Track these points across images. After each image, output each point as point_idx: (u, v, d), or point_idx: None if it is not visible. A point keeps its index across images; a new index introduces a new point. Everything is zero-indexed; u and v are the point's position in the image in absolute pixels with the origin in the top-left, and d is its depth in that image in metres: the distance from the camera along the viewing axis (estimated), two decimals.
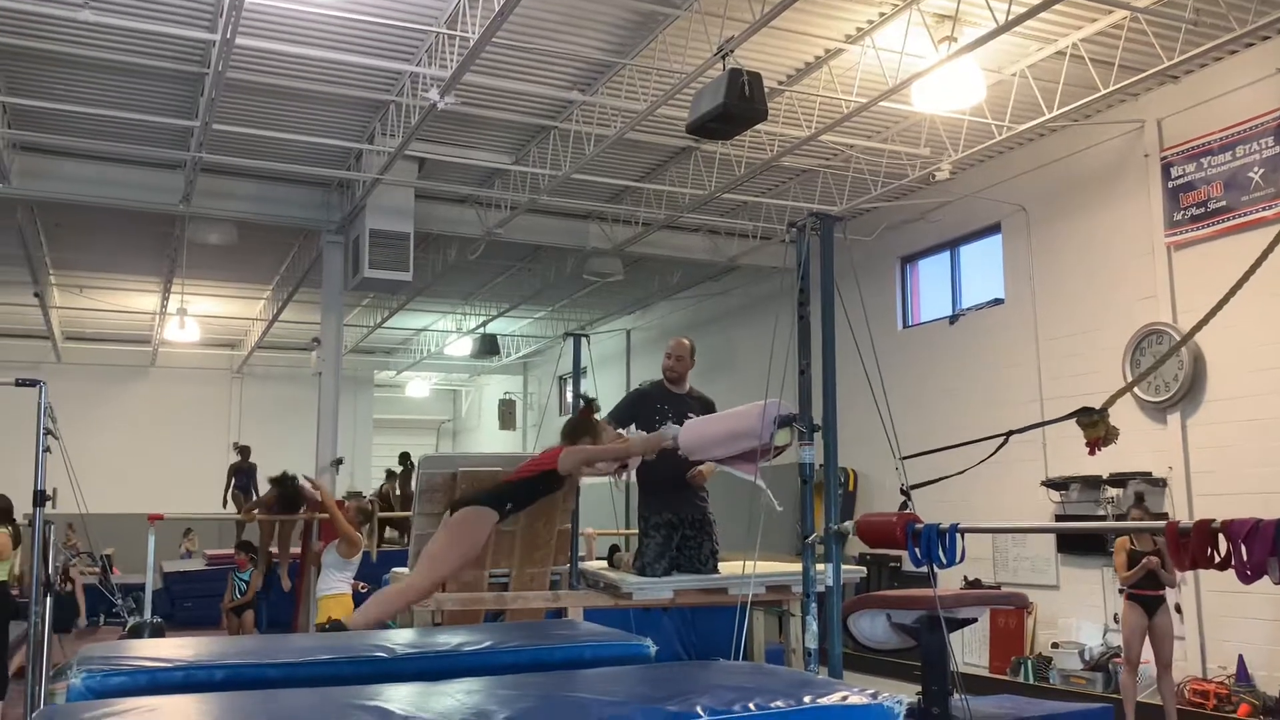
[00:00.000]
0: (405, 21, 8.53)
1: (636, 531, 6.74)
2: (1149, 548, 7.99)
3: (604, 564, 7.22)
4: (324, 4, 8.07)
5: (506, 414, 24.47)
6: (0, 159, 10.47)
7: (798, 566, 5.30)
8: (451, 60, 8.40)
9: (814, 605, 4.90)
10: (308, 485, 10.87)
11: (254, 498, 16.92)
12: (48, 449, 6.29)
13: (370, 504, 9.10)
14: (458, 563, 5.54)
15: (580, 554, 7.03)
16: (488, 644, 3.63)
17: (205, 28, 8.57)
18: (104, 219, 13.24)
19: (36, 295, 16.27)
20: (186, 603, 14.03)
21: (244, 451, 15.49)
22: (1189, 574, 9.05)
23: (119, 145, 10.91)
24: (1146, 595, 8.06)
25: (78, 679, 2.90)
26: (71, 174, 11.58)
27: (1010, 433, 5.16)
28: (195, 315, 17.17)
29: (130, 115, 10.01)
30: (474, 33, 7.82)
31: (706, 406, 6.56)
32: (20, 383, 6.30)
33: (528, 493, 5.66)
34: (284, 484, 11.27)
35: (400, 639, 3.90)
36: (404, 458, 17.57)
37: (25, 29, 8.69)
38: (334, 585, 8.56)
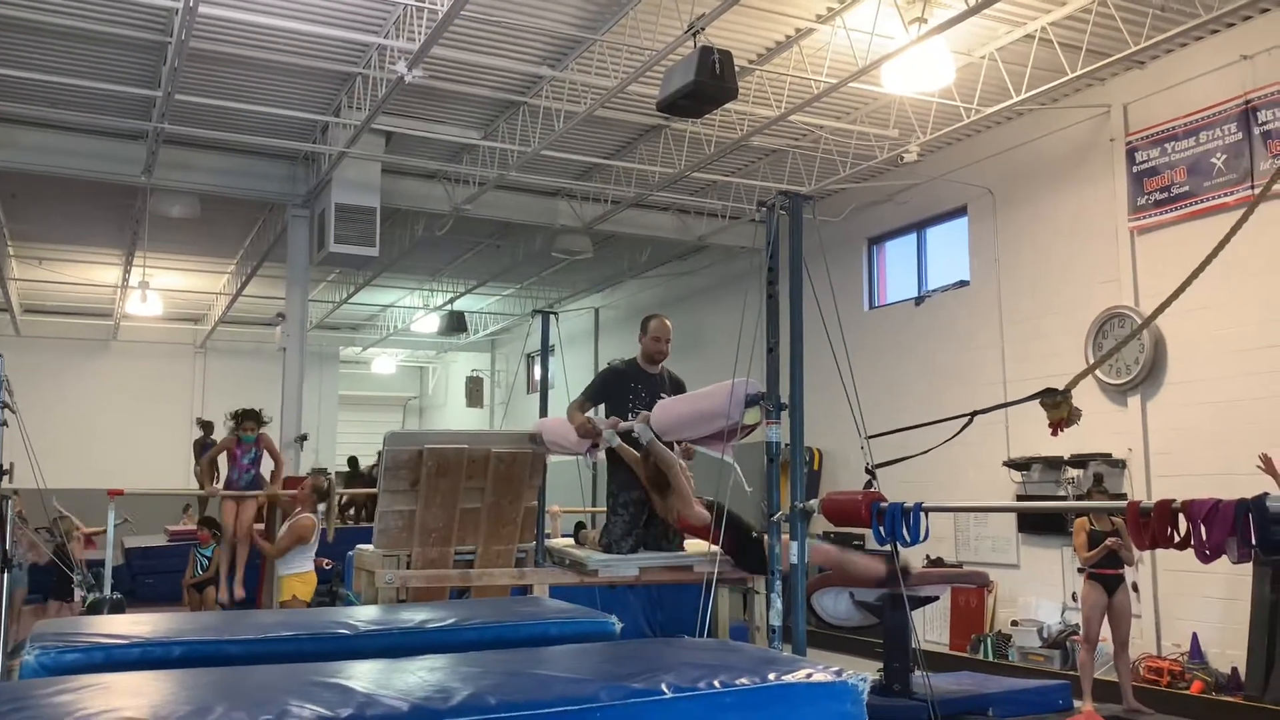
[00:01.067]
0: None
1: (604, 509, 6.75)
2: (1108, 528, 8.10)
3: (569, 541, 7.22)
4: None
5: (474, 391, 24.38)
6: None
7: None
8: (420, 33, 8.29)
9: (778, 583, 4.93)
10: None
11: (214, 473, 16.79)
12: (4, 423, 6.20)
13: (327, 481, 9.02)
14: None
15: (545, 531, 7.03)
16: (451, 621, 3.62)
17: None
18: (63, 190, 12.98)
19: None
20: (148, 578, 13.87)
21: (206, 427, 15.33)
22: (1146, 553, 9.19)
23: (79, 114, 10.68)
24: (1106, 574, 8.17)
25: (31, 656, 2.86)
26: (30, 143, 11.33)
27: (974, 413, 5.20)
28: (158, 289, 16.92)
29: (90, 84, 9.80)
30: (442, 5, 7.72)
31: (677, 386, 6.58)
32: None
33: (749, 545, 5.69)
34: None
35: (363, 615, 3.88)
36: (353, 462, 17.64)
37: None
38: (296, 564, 8.50)
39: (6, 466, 6.56)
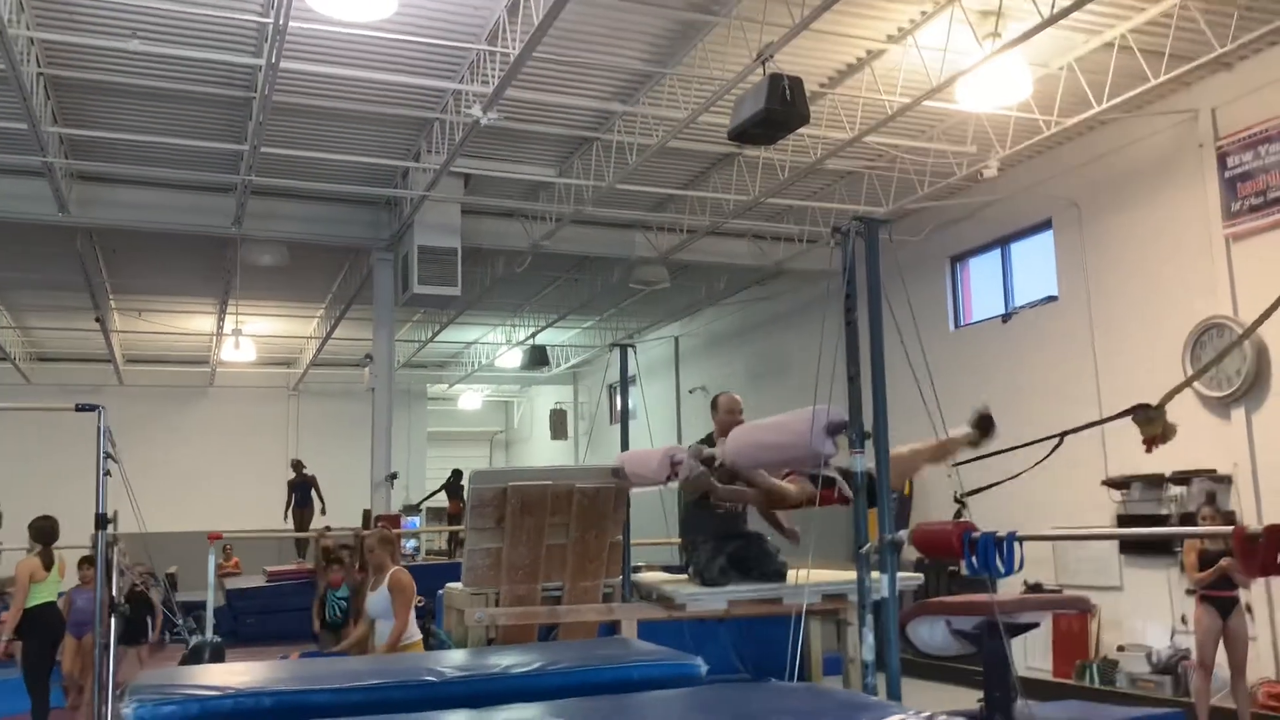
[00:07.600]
0: (447, 39, 8.58)
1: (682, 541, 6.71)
2: (1220, 547, 7.77)
3: (658, 576, 7.17)
4: (365, 25, 8.15)
5: (558, 424, 24.57)
6: (59, 189, 10.70)
7: (854, 575, 5.22)
8: (494, 76, 8.44)
9: (869, 617, 4.81)
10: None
11: (312, 509, 17.12)
12: (108, 472, 6.40)
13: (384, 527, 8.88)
14: None
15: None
16: (536, 666, 3.61)
17: (251, 53, 8.70)
18: (159, 243, 13.50)
19: (97, 320, 16.63)
20: (249, 619, 14.20)
21: (297, 466, 15.65)
22: None
23: (171, 171, 11.12)
24: (1220, 596, 7.83)
25: (130, 710, 2.93)
26: (127, 201, 11.83)
27: (1064, 433, 5.04)
28: (250, 335, 17.43)
29: (181, 141, 10.19)
30: (515, 48, 7.85)
31: None
32: (80, 408, 6.42)
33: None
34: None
35: (449, 661, 3.89)
36: (457, 474, 17.78)
37: (78, 61, 8.89)
38: (413, 629, 7.74)
39: (111, 515, 6.78)
